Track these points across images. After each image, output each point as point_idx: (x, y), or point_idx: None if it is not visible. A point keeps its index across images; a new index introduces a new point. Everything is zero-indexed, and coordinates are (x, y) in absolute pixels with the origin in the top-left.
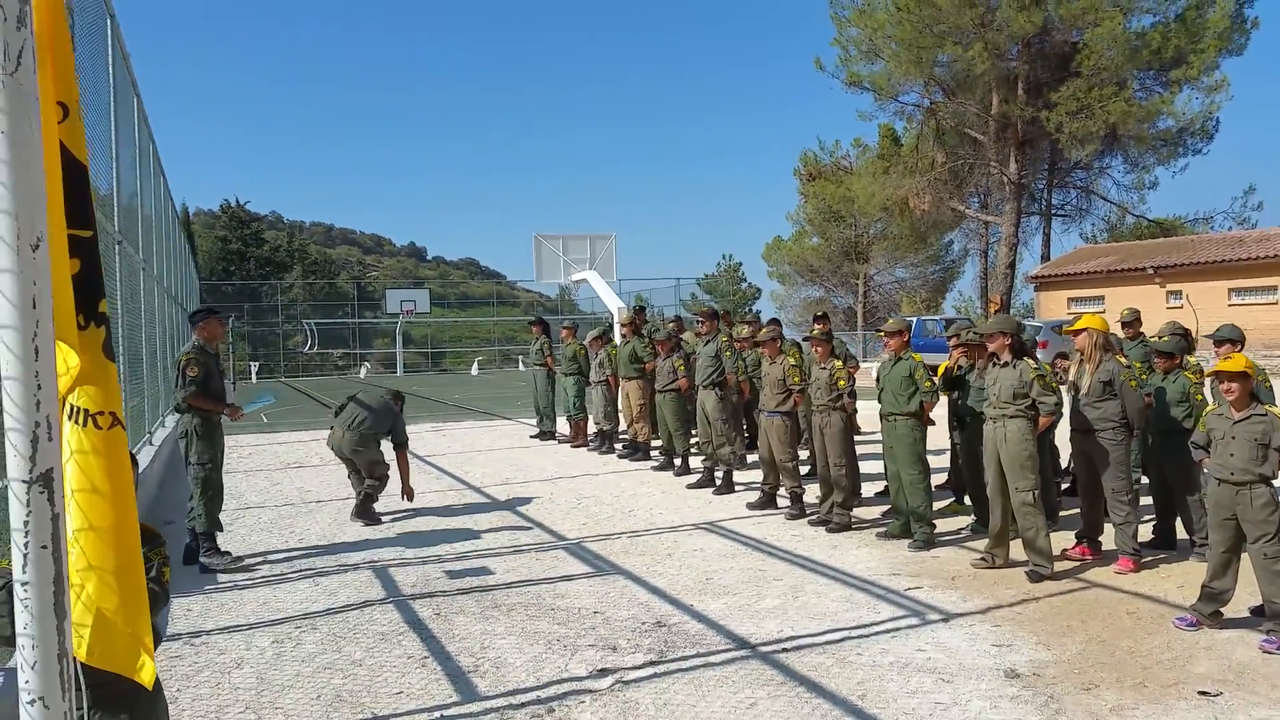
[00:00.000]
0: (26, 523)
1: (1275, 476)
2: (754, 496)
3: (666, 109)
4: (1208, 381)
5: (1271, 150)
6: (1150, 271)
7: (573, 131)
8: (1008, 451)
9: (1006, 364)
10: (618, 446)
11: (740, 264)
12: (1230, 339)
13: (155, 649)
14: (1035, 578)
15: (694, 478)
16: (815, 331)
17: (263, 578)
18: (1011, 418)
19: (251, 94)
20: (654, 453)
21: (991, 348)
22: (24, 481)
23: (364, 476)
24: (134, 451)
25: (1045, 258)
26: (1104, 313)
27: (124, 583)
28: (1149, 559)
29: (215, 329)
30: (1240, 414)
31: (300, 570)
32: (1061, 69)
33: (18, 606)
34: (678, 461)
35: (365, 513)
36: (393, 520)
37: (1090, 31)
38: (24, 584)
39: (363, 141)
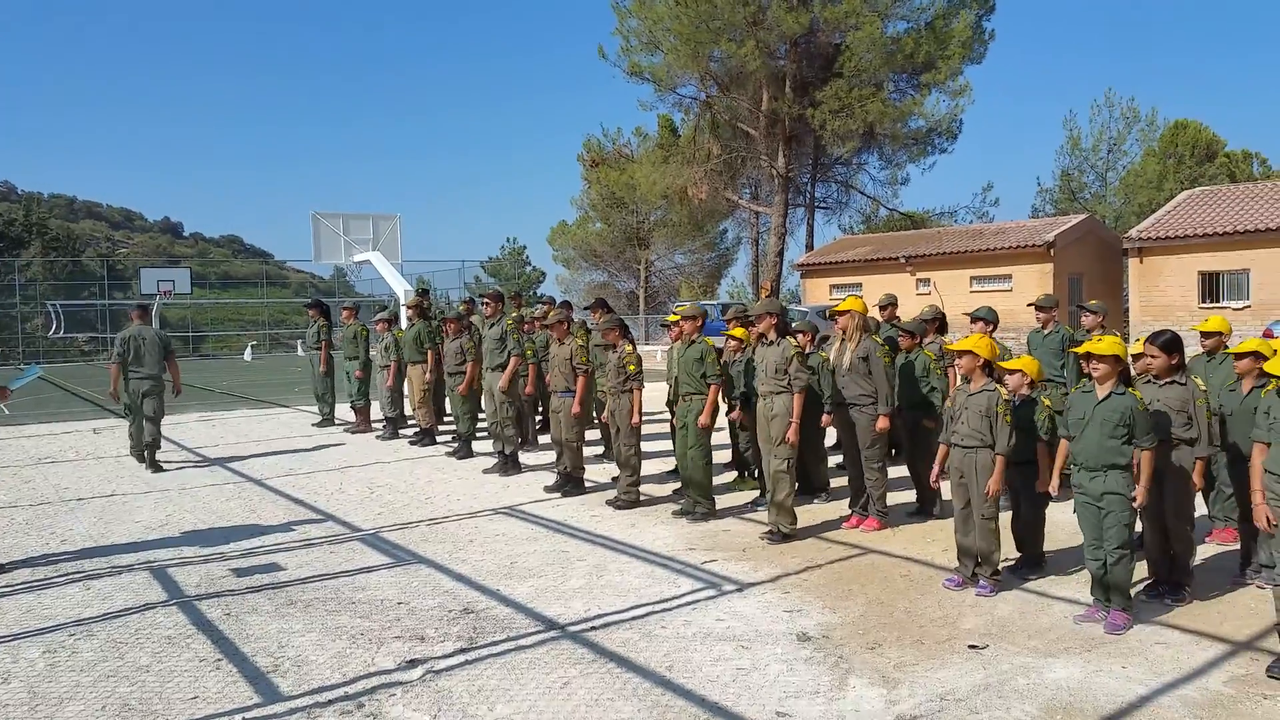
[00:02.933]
0: None
1: (1000, 443)
2: (551, 479)
3: (452, 92)
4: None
5: (1004, 152)
6: (902, 261)
7: (353, 112)
8: (774, 425)
9: (772, 343)
10: (406, 433)
11: (525, 247)
12: (984, 318)
13: None
14: (776, 537)
15: (489, 462)
16: (602, 319)
17: (24, 583)
18: (777, 394)
19: None
20: (446, 438)
21: (760, 328)
22: None
23: (156, 415)
24: None
25: (809, 247)
26: (862, 298)
27: None
28: (913, 524)
29: None
30: (974, 388)
31: (67, 574)
32: (826, 69)
33: None
34: (457, 445)
35: (156, 463)
36: (167, 518)
37: (851, 35)
38: None
39: (111, 108)
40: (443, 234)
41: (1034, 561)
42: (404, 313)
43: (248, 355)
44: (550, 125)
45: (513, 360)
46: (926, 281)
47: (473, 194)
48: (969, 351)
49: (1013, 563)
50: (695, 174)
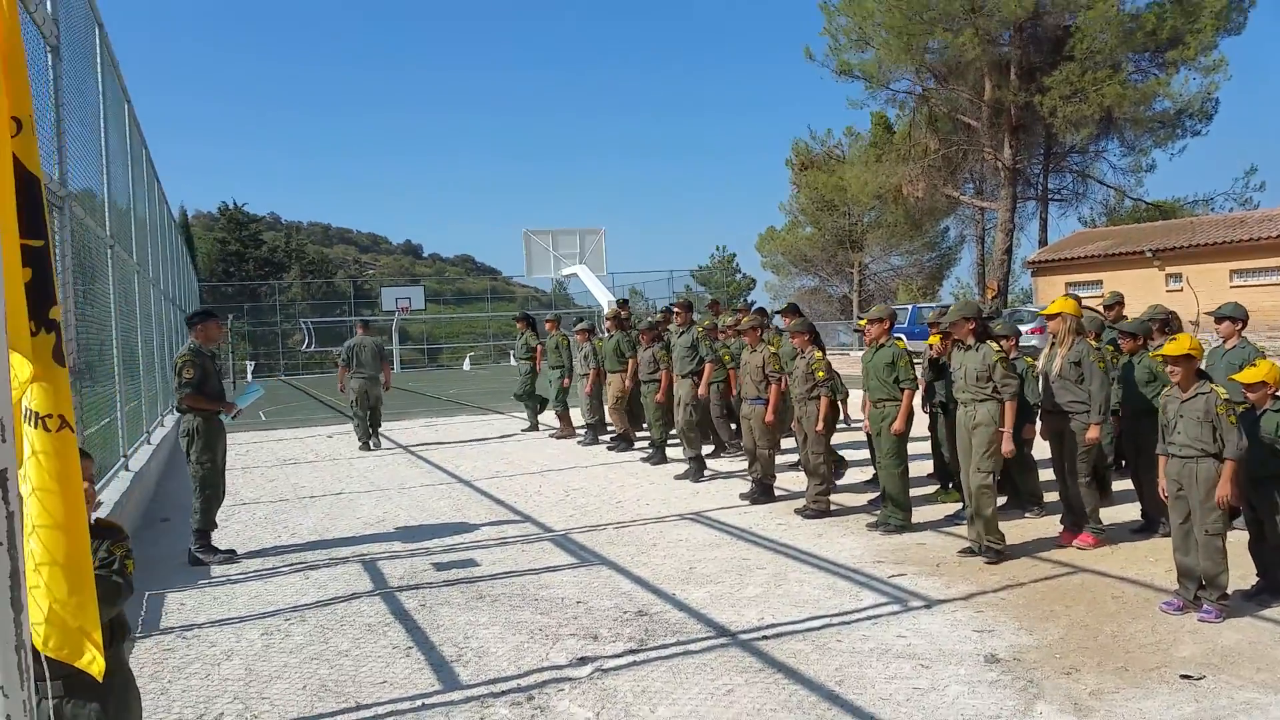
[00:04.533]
0: None
1: (1230, 448)
2: (747, 486)
3: (658, 102)
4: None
5: (1273, 130)
6: (1148, 254)
7: (567, 125)
8: (976, 435)
9: (970, 348)
10: (604, 439)
11: (734, 255)
12: (1230, 316)
13: (126, 638)
14: (990, 555)
15: (681, 468)
16: (791, 324)
17: (255, 572)
18: (980, 402)
19: (248, 101)
20: (643, 444)
21: (956, 335)
22: None
23: (374, 409)
24: (130, 451)
25: (1043, 242)
26: (1101, 298)
27: (73, 577)
28: (1136, 542)
29: (212, 331)
30: (1187, 394)
31: (292, 564)
32: (1054, 53)
33: None
34: (669, 452)
35: (376, 442)
36: (384, 515)
37: (1083, 15)
38: None
39: (359, 142)
40: (654, 244)
41: (1276, 588)
42: (603, 323)
43: (466, 365)
44: (758, 130)
45: (707, 367)
46: (1177, 277)
47: (682, 202)
48: (1186, 356)
49: (1250, 588)
50: (911, 171)
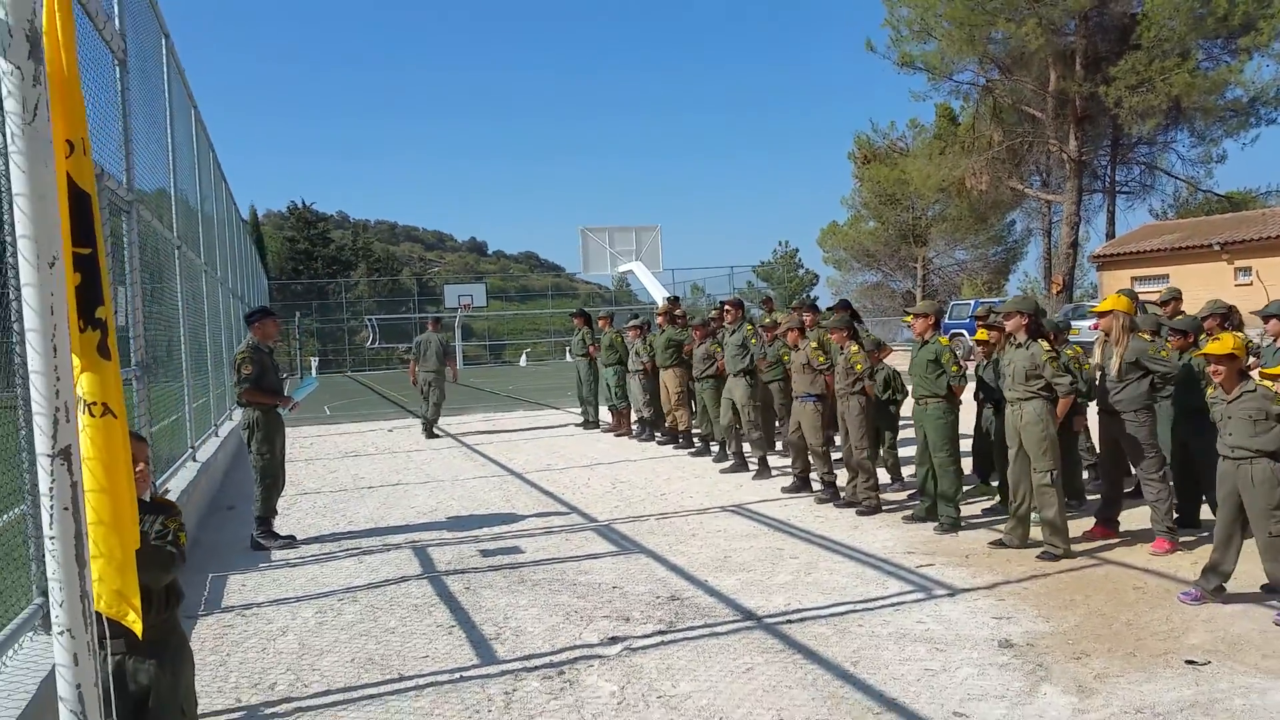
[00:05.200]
0: (51, 488)
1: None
2: (789, 481)
3: (721, 98)
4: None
5: None
6: (1217, 248)
7: (633, 122)
8: (1026, 434)
9: (1021, 345)
10: (658, 435)
11: (797, 250)
12: (1277, 315)
13: (178, 605)
14: (1049, 558)
15: (728, 463)
16: (831, 319)
17: (312, 556)
18: (1027, 400)
19: (318, 103)
20: (695, 440)
21: (1009, 328)
22: (48, 455)
23: (438, 399)
24: (198, 444)
25: (1110, 236)
26: (1129, 295)
27: (114, 540)
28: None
29: (269, 328)
30: (1232, 394)
31: (347, 549)
32: (1121, 42)
33: (48, 557)
34: (715, 447)
35: (433, 433)
36: (438, 504)
37: (1150, 2)
38: (51, 538)
39: (425, 142)
40: (716, 239)
41: None
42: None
43: (523, 361)
44: (820, 124)
45: (759, 362)
46: (1247, 270)
47: (744, 198)
48: (1230, 356)
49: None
50: (975, 164)
